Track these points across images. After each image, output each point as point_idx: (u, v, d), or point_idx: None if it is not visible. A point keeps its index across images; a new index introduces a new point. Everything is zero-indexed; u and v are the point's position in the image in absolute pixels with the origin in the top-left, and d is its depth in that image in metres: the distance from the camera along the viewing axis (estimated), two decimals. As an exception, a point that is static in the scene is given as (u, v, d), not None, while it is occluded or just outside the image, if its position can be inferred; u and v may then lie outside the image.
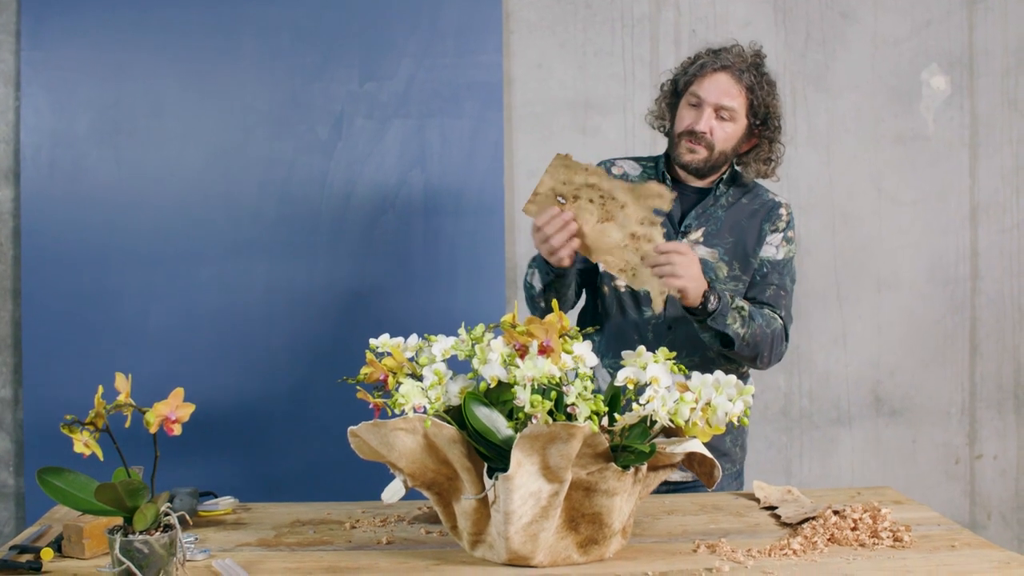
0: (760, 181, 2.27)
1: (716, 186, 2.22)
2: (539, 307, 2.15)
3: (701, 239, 2.19)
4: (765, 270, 2.21)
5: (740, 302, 2.09)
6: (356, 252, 3.00)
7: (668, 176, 2.24)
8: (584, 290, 2.31)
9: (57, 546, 1.62)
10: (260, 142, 2.98)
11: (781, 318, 2.18)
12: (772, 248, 2.21)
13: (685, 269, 1.94)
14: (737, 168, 2.26)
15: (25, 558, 1.59)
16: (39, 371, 2.92)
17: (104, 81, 2.94)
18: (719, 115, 2.14)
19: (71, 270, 2.92)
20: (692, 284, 1.97)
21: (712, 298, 2.02)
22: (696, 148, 2.15)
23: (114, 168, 2.94)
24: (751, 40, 2.25)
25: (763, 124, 2.18)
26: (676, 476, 2.17)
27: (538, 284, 2.12)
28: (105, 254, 2.93)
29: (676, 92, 2.24)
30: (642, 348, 1.62)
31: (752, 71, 2.15)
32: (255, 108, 2.98)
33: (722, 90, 2.13)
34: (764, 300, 2.19)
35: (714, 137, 2.14)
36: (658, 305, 1.97)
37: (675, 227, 2.20)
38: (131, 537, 1.42)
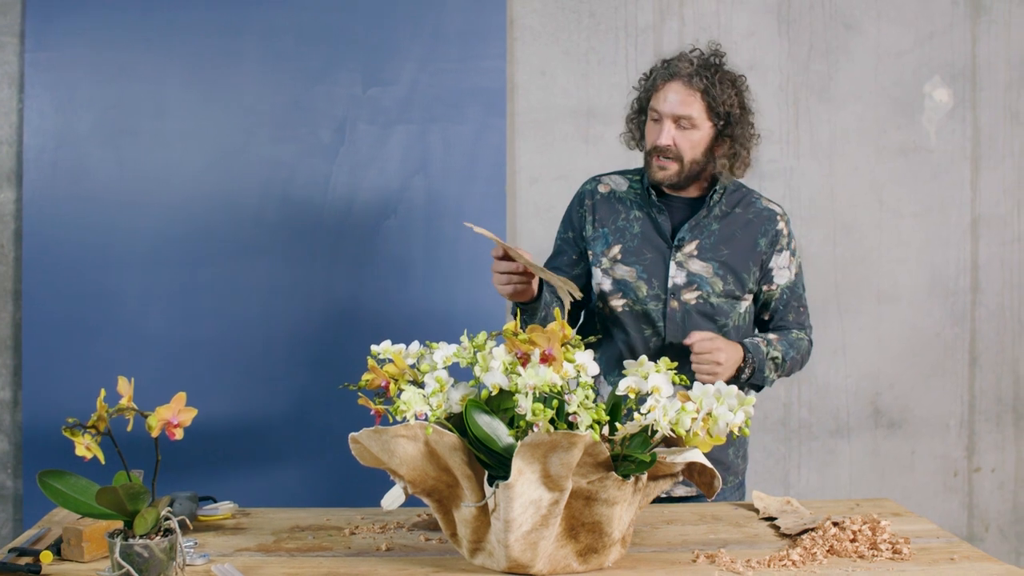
0: (752, 187, 2.27)
1: (710, 196, 2.19)
2: None
3: (695, 252, 2.16)
4: (785, 297, 2.23)
5: (775, 351, 2.14)
6: (358, 257, 3.00)
7: (652, 191, 2.20)
8: (582, 311, 2.31)
9: (56, 549, 1.62)
10: (262, 145, 2.98)
11: (807, 334, 2.24)
12: (785, 271, 2.22)
13: (712, 365, 2.03)
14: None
15: (24, 561, 1.59)
16: (39, 373, 2.92)
17: (107, 83, 2.94)
18: (679, 125, 2.11)
19: (72, 272, 2.92)
20: (724, 375, 2.06)
21: (746, 370, 2.10)
22: (666, 164, 2.12)
23: (116, 170, 2.94)
24: (709, 40, 2.22)
25: (727, 123, 2.13)
26: (680, 491, 2.17)
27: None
28: (106, 256, 2.93)
29: (642, 110, 2.21)
30: (644, 358, 1.63)
31: (705, 73, 2.10)
32: (257, 111, 2.98)
33: (676, 99, 2.10)
34: (789, 324, 2.23)
35: (679, 148, 2.11)
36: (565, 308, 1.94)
37: (668, 241, 2.18)
38: (131, 541, 1.42)
